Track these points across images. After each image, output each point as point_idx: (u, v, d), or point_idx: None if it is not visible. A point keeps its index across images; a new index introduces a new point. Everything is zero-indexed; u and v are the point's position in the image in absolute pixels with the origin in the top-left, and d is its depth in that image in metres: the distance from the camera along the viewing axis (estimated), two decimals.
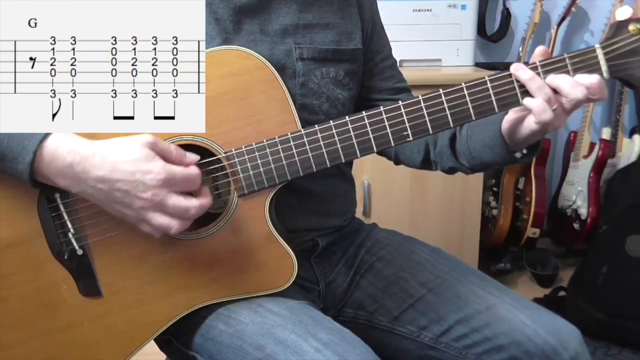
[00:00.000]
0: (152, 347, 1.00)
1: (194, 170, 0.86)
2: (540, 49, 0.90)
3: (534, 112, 0.87)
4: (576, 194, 2.39)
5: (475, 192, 2.11)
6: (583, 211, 2.36)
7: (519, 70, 0.87)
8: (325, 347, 0.86)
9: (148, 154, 0.83)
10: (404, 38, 2.01)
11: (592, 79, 0.85)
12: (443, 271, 1.07)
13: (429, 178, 2.04)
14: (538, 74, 0.87)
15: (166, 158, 0.85)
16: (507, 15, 2.46)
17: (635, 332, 1.98)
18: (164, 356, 1.11)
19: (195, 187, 0.87)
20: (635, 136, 2.37)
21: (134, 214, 0.85)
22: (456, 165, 1.07)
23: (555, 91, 0.87)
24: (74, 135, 0.85)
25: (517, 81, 0.88)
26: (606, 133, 2.38)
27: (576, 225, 2.39)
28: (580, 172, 2.40)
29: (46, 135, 0.84)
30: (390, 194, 2.06)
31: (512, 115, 0.92)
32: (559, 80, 0.86)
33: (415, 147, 1.13)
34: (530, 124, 0.89)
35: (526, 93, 0.88)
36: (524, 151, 0.99)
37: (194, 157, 0.88)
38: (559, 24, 2.37)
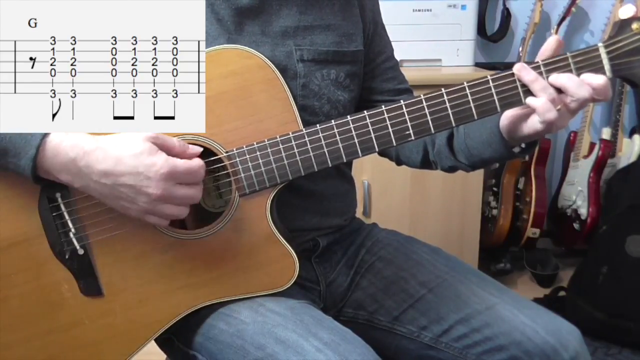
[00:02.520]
0: (152, 346, 1.00)
1: (196, 162, 0.86)
2: (553, 39, 0.88)
3: (538, 111, 0.86)
4: (576, 194, 2.39)
5: (475, 192, 2.11)
6: (583, 211, 2.36)
7: (522, 72, 0.87)
8: (326, 347, 0.85)
9: (151, 148, 0.84)
10: (404, 38, 2.00)
11: (599, 79, 0.85)
12: (443, 271, 1.07)
13: (429, 178, 2.04)
14: (540, 73, 0.87)
15: (169, 151, 0.86)
16: (507, 15, 2.46)
17: (635, 332, 1.98)
18: (164, 356, 1.11)
19: (199, 179, 0.87)
20: (635, 136, 2.36)
21: (139, 207, 0.86)
22: (455, 164, 1.07)
23: (559, 91, 0.86)
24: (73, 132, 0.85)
25: (520, 80, 0.88)
26: (606, 133, 2.38)
27: (576, 225, 2.39)
28: (580, 172, 2.40)
29: (47, 133, 0.84)
30: (390, 194, 2.06)
31: (513, 112, 0.92)
32: (564, 79, 0.86)
33: (414, 147, 1.13)
34: (534, 123, 0.89)
35: (529, 92, 0.88)
36: (523, 145, 0.98)
37: (196, 149, 0.88)
38: (559, 24, 2.37)
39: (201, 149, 0.89)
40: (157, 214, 0.87)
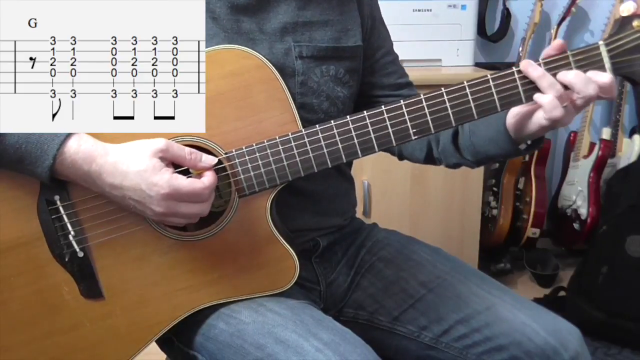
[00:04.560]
0: (152, 346, 0.99)
1: (200, 184, 0.86)
2: (557, 42, 0.88)
3: (545, 108, 0.86)
4: (576, 194, 2.39)
5: (475, 192, 2.11)
6: (583, 211, 2.35)
7: (529, 68, 0.87)
8: (326, 347, 0.85)
9: (155, 165, 0.84)
10: (404, 38, 1.99)
11: (605, 77, 0.85)
12: (443, 271, 1.07)
13: (429, 178, 2.04)
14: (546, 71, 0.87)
15: (180, 163, 0.86)
16: (507, 15, 2.46)
17: (635, 332, 1.98)
18: (164, 356, 1.11)
19: (204, 200, 0.87)
20: (635, 136, 2.36)
21: (149, 216, 0.88)
22: (460, 161, 1.07)
23: (565, 88, 0.86)
24: (89, 137, 0.86)
25: (520, 79, 0.88)
26: (606, 133, 2.38)
27: (576, 225, 2.39)
28: (580, 172, 2.39)
29: (65, 138, 0.85)
30: (390, 194, 2.05)
31: (519, 109, 0.92)
32: (571, 76, 0.86)
33: (417, 145, 1.13)
34: (539, 120, 0.89)
35: (529, 91, 0.88)
36: (528, 142, 0.98)
37: (210, 160, 0.88)
38: (559, 24, 2.37)
39: (216, 160, 0.89)
40: (167, 223, 0.90)
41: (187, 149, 0.87)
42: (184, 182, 0.84)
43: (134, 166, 0.84)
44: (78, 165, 0.86)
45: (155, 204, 0.85)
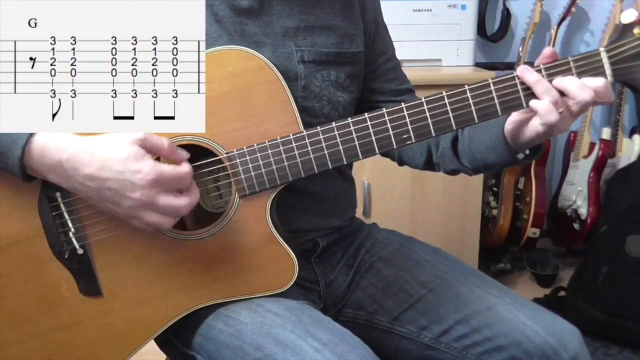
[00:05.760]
0: (151, 346, 1.00)
1: (184, 168, 0.85)
2: (548, 50, 0.89)
3: (540, 114, 0.86)
4: (576, 194, 2.39)
5: (475, 192, 2.11)
6: (583, 211, 2.36)
7: (525, 73, 0.87)
8: (324, 348, 0.85)
9: (137, 152, 0.83)
10: (404, 38, 2.00)
11: (598, 82, 0.85)
12: (443, 271, 1.07)
13: (429, 178, 2.04)
14: (542, 77, 0.87)
15: (158, 152, 0.85)
16: (507, 15, 2.46)
17: (635, 332, 1.98)
18: (164, 356, 1.11)
19: (185, 186, 0.86)
20: (635, 136, 2.36)
21: (124, 211, 0.85)
22: (458, 167, 1.07)
23: (562, 94, 0.86)
24: (60, 133, 0.85)
25: (521, 84, 0.88)
26: (606, 133, 2.38)
27: (576, 225, 2.39)
28: (580, 172, 2.40)
29: (33, 133, 0.84)
30: (390, 194, 2.06)
31: (516, 116, 0.92)
32: (566, 82, 0.86)
33: (417, 149, 1.13)
34: (535, 126, 0.89)
35: (530, 96, 0.88)
36: (527, 152, 0.99)
37: (184, 153, 0.87)
38: (559, 24, 2.37)
39: (188, 154, 0.88)
40: (141, 220, 0.86)
41: (165, 139, 0.85)
42: (167, 167, 0.84)
43: (115, 154, 0.82)
44: (48, 155, 0.83)
45: (137, 191, 0.82)
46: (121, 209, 0.85)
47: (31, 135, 0.84)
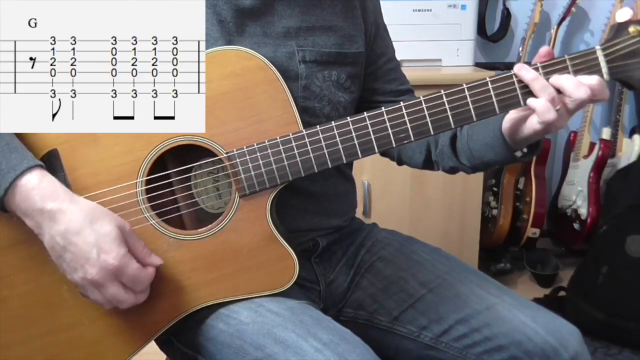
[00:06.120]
0: (152, 346, 0.99)
1: (149, 272, 0.86)
2: (544, 49, 0.90)
3: (538, 112, 0.87)
4: (576, 194, 2.39)
5: (475, 192, 2.11)
6: (583, 211, 2.36)
7: (522, 71, 0.88)
8: (325, 347, 0.85)
9: (117, 236, 0.84)
10: (404, 38, 2.00)
11: (593, 79, 0.86)
12: (443, 271, 1.07)
13: (429, 178, 2.04)
14: (539, 75, 0.87)
15: (132, 249, 0.86)
16: (507, 15, 2.46)
17: (635, 332, 1.98)
18: (164, 356, 1.11)
19: (141, 289, 0.87)
20: (635, 136, 2.36)
21: (74, 279, 0.85)
22: (457, 165, 1.07)
23: (558, 91, 0.87)
24: (52, 177, 0.85)
25: (519, 82, 0.88)
26: (606, 133, 2.38)
27: (576, 225, 2.39)
28: (580, 172, 2.40)
29: (24, 171, 0.83)
30: (390, 194, 2.06)
31: (513, 114, 0.93)
32: (562, 80, 0.87)
33: (417, 147, 1.13)
34: (533, 124, 0.89)
35: (527, 94, 0.88)
36: (525, 150, 0.99)
37: (157, 260, 0.88)
38: (559, 24, 2.37)
39: (162, 262, 0.89)
40: (85, 292, 0.87)
41: (142, 242, 0.87)
42: (134, 265, 0.84)
43: (97, 227, 0.83)
44: (31, 202, 0.83)
45: (95, 269, 0.83)
46: (73, 275, 0.85)
47: (20, 175, 0.83)
